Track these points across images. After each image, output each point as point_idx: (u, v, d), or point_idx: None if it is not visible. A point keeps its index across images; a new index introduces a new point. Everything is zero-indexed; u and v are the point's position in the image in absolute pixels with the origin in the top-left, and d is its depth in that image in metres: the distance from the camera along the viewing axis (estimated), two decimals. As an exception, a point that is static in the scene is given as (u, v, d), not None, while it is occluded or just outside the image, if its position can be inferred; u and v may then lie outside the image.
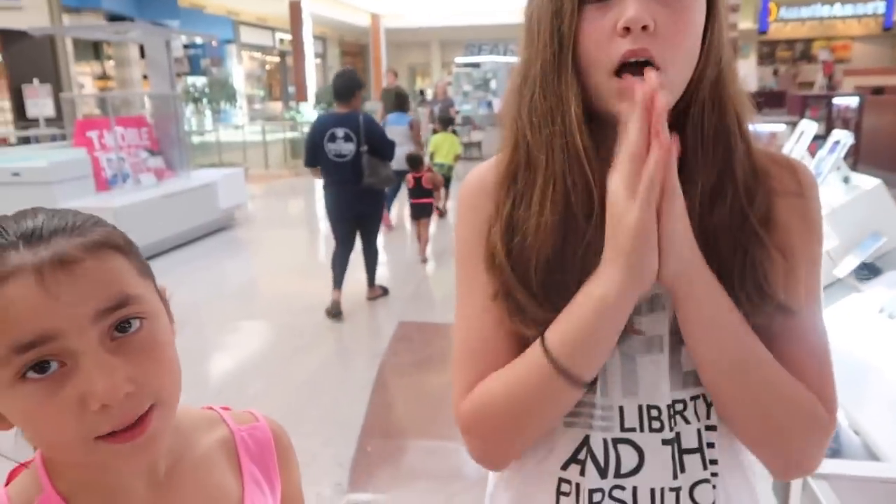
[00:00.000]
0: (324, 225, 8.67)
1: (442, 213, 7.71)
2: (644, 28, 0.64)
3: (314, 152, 4.44)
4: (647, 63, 0.65)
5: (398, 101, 7.16)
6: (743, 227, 0.69)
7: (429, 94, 15.46)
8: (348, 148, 4.37)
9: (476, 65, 14.81)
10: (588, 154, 0.69)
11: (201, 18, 15.83)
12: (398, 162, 6.26)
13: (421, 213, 6.21)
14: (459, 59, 15.53)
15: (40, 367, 0.51)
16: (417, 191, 6.18)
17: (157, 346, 0.56)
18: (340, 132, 4.36)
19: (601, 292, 0.66)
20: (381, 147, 4.52)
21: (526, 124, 0.73)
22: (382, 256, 5.36)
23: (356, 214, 4.59)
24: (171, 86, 7.46)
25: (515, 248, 0.72)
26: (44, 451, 0.57)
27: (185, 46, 15.57)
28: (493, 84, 14.33)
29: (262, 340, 4.51)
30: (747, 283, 0.68)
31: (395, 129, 6.63)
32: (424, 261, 6.14)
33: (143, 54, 7.55)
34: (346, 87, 4.46)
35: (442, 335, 4.25)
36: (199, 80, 14.64)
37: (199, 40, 14.87)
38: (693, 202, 0.70)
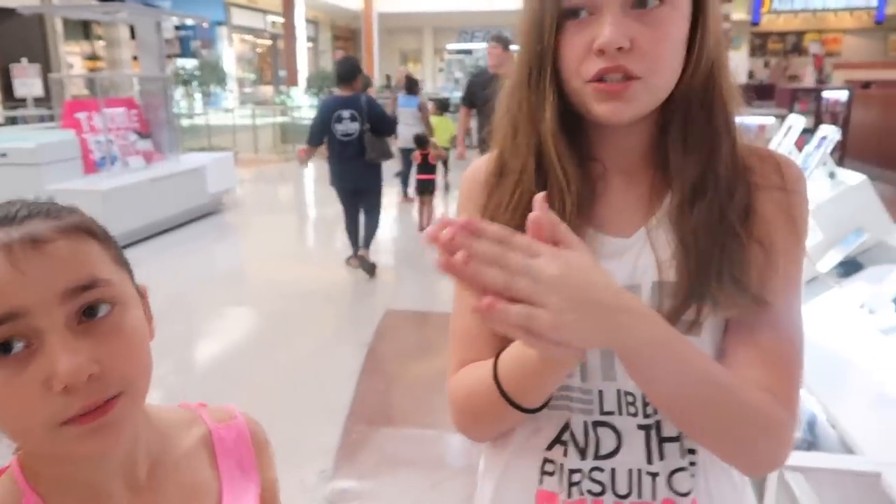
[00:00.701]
0: (312, 211, 8.70)
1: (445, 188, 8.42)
2: (619, 49, 0.65)
3: (322, 132, 4.93)
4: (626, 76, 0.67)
5: (409, 85, 7.87)
6: (722, 223, 0.70)
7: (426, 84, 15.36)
8: (354, 127, 4.85)
9: (468, 51, 14.76)
10: (562, 161, 0.72)
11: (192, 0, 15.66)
12: (407, 141, 7.18)
13: (426, 188, 6.73)
14: (451, 46, 15.45)
15: (4, 347, 0.50)
16: (424, 167, 6.72)
17: (126, 333, 0.55)
18: (346, 113, 4.83)
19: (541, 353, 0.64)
20: (381, 125, 5.00)
21: (507, 130, 0.76)
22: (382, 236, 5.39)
23: (358, 187, 5.08)
24: (161, 68, 7.39)
25: None
26: (10, 437, 0.56)
27: (176, 28, 15.38)
28: (485, 71, 14.28)
29: (249, 326, 4.52)
30: (724, 276, 0.69)
31: (406, 111, 7.48)
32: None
33: (133, 35, 7.46)
34: (349, 72, 4.96)
35: (429, 324, 4.26)
36: (190, 63, 14.49)
37: (189, 22, 14.71)
38: (675, 198, 0.72)
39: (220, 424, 0.72)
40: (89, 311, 0.53)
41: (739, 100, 0.75)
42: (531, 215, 0.57)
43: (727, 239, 0.70)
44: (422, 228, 6.55)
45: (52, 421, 0.52)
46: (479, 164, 0.83)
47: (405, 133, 7.24)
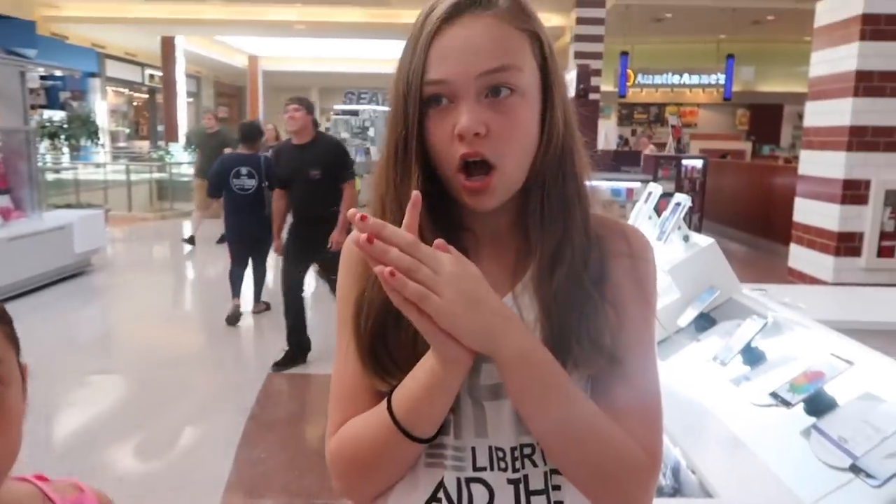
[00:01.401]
0: (190, 271, 8.34)
1: None
2: (476, 134, 0.72)
3: (219, 185, 5.34)
4: (486, 162, 0.74)
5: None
6: (578, 288, 0.77)
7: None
8: (251, 183, 5.30)
9: (355, 112, 14.94)
10: (424, 233, 0.74)
11: (63, 49, 14.91)
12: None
13: None
14: (338, 107, 15.60)
15: None
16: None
17: (5, 414, 0.54)
18: (244, 170, 5.29)
19: (431, 366, 0.71)
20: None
21: (377, 207, 0.80)
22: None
23: (253, 239, 5.41)
24: (25, 119, 6.96)
25: (362, 311, 0.78)
26: None
27: (43, 78, 14.56)
28: (371, 132, 14.49)
29: (118, 396, 4.21)
30: (582, 337, 0.75)
31: None
32: None
33: (-8, 84, 7.01)
34: (252, 134, 5.48)
35: (312, 386, 4.16)
36: (58, 115, 13.71)
37: (58, 73, 13.99)
38: (536, 268, 0.78)
39: (67, 499, 0.68)
40: None
41: (590, 172, 0.83)
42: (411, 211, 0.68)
43: (584, 303, 0.76)
44: None
45: None
46: (355, 237, 0.86)
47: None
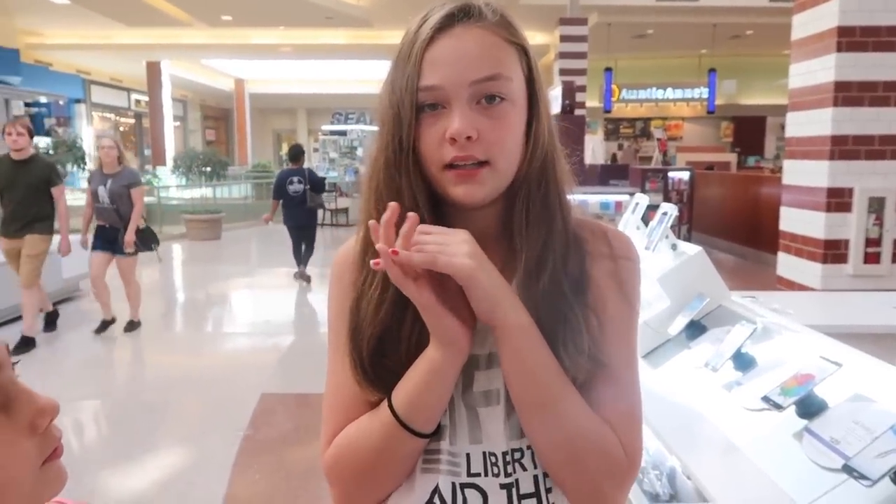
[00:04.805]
0: (181, 294, 8.30)
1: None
2: (468, 138, 0.75)
3: (280, 191, 7.69)
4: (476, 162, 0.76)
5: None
6: (561, 295, 0.78)
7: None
8: (300, 188, 7.70)
9: (342, 132, 15.00)
10: None
11: (47, 76, 14.93)
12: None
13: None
14: (325, 128, 15.66)
15: None
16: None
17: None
18: (296, 178, 7.72)
19: (429, 357, 0.75)
20: (317, 186, 7.94)
21: (372, 210, 0.81)
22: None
23: (301, 224, 7.86)
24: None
25: (358, 324, 0.80)
26: None
27: (28, 104, 14.55)
28: (359, 151, 14.54)
29: (109, 419, 4.17)
30: (567, 341, 0.77)
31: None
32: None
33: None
34: (297, 154, 7.98)
35: (308, 406, 4.14)
36: (44, 141, 13.68)
37: (43, 99, 13.97)
38: (522, 272, 0.79)
39: None
40: None
41: (571, 181, 0.85)
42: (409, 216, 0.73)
43: (567, 310, 0.78)
44: None
45: (39, 460, 0.52)
46: (348, 247, 0.88)
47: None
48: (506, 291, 0.74)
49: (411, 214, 0.72)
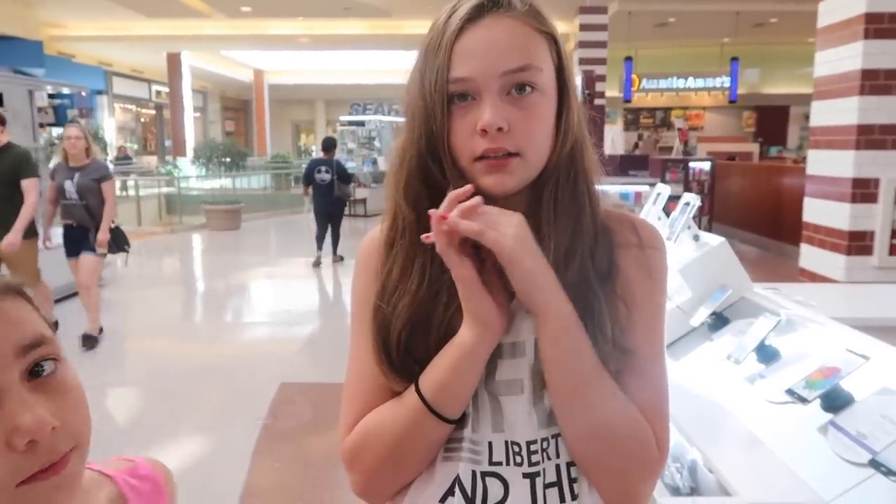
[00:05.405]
0: (200, 284, 8.38)
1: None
2: (499, 129, 0.74)
3: (309, 179, 8.30)
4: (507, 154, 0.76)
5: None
6: (588, 281, 0.78)
7: None
8: (327, 177, 8.22)
9: (361, 123, 15.01)
10: None
11: (70, 68, 15.07)
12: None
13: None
14: (344, 118, 15.68)
15: None
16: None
17: (71, 389, 0.57)
18: (324, 168, 8.25)
19: (460, 340, 0.75)
20: (344, 177, 8.44)
21: (402, 201, 0.81)
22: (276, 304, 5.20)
23: (328, 212, 8.38)
24: (34, 137, 7.03)
25: (386, 315, 0.80)
26: None
27: (51, 96, 14.73)
28: (377, 142, 14.54)
29: (129, 408, 4.23)
30: (595, 332, 0.76)
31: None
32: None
33: (2, 103, 7.08)
34: (329, 145, 8.48)
35: (326, 396, 4.16)
36: (67, 132, 13.85)
37: (66, 91, 14.13)
38: (551, 263, 0.77)
39: (120, 471, 0.73)
40: (36, 371, 0.54)
41: (599, 171, 0.84)
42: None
43: (592, 295, 0.77)
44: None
45: (11, 482, 0.50)
46: (375, 234, 0.88)
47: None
48: (550, 278, 0.74)
49: (478, 197, 0.73)
